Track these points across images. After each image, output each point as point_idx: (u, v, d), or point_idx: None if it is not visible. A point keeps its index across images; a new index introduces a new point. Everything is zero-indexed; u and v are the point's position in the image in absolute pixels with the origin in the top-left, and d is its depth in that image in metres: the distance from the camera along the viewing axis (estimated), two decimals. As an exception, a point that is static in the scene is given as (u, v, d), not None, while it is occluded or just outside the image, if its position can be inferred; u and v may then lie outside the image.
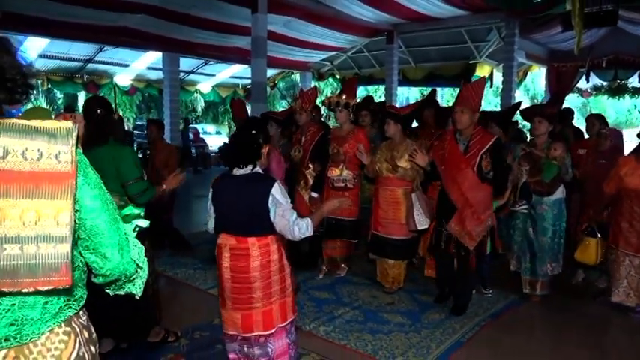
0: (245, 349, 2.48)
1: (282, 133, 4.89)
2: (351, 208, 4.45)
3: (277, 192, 2.33)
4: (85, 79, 12.81)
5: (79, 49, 11.57)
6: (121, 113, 17.04)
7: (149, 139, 5.46)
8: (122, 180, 2.79)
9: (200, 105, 23.07)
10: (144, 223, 1.56)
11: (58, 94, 20.65)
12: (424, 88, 16.75)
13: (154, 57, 12.59)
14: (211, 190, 2.51)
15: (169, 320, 3.68)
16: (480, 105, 3.64)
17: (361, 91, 24.52)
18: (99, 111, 2.85)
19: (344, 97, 4.42)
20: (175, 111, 13.23)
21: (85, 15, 8.83)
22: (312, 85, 4.94)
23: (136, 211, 1.63)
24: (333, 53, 13.81)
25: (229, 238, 2.40)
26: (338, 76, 14.99)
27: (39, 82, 13.37)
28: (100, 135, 2.82)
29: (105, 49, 11.57)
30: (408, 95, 24.56)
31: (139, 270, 1.35)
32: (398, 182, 4.13)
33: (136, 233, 1.61)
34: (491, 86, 13.30)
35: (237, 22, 9.82)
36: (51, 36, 10.02)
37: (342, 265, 4.74)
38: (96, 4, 8.46)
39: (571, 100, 18.77)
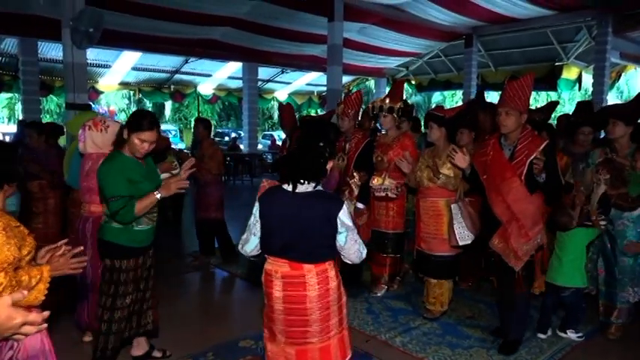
0: None
1: None
2: (395, 219, 4.21)
3: (345, 215, 2.09)
4: (172, 89, 13.68)
5: (167, 62, 12.41)
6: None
7: (196, 138, 5.60)
8: (104, 194, 2.61)
9: (277, 112, 23.77)
10: None
11: (148, 104, 22.15)
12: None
13: (235, 67, 13.17)
14: (258, 205, 2.18)
15: (244, 324, 3.79)
16: (528, 105, 3.20)
17: (436, 97, 24.07)
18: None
19: (387, 101, 4.15)
20: (254, 118, 13.73)
21: (175, 29, 9.44)
22: (357, 89, 4.59)
23: None
24: (409, 59, 13.65)
25: (281, 263, 2.13)
26: (413, 82, 14.77)
27: (131, 92, 14.46)
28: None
29: (190, 60, 12.29)
30: (486, 100, 23.66)
31: None
32: (440, 192, 3.74)
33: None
34: (579, 89, 12.48)
35: (313, 30, 10.02)
36: (143, 50, 10.81)
37: (382, 284, 4.40)
38: (185, 19, 9.01)
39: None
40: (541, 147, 3.08)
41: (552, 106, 4.92)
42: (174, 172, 3.34)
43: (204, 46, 10.86)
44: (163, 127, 20.61)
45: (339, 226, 2.07)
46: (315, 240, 2.09)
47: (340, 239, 2.10)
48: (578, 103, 4.69)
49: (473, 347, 3.38)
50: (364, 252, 2.19)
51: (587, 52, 10.68)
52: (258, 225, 2.17)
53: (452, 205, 3.58)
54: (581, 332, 3.54)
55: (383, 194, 4.12)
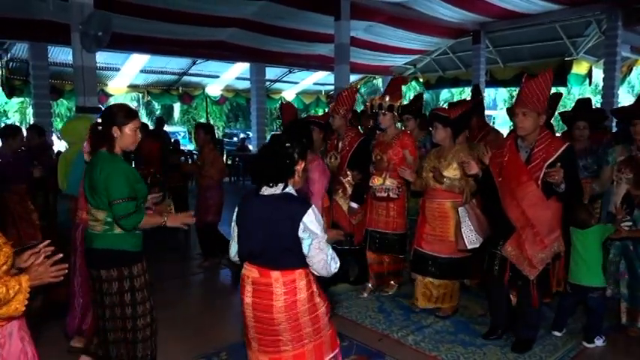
0: None
1: (324, 138, 4.55)
2: (396, 220, 4.14)
3: (311, 219, 1.96)
4: (180, 91, 13.72)
5: (175, 64, 12.45)
6: (211, 121, 18.04)
7: (197, 143, 5.50)
8: (109, 198, 2.48)
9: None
10: None
11: (157, 106, 22.29)
12: (513, 88, 15.90)
13: (242, 67, 13.19)
14: (237, 209, 2.17)
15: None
16: (546, 105, 3.01)
17: (445, 94, 23.96)
18: (99, 121, 2.64)
19: (387, 98, 4.06)
20: (262, 119, 13.76)
21: (182, 31, 9.48)
22: (351, 87, 4.47)
23: None
24: (416, 56, 13.59)
25: (252, 269, 2.06)
26: (421, 80, 14.71)
27: (140, 95, 14.55)
28: (92, 145, 2.62)
29: (198, 62, 12.33)
30: (495, 97, 23.56)
31: None
32: (446, 194, 3.68)
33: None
34: (590, 84, 12.35)
35: (320, 30, 10.01)
36: (151, 52, 10.87)
37: (392, 282, 4.38)
38: (193, 21, 9.04)
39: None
40: (560, 150, 2.94)
41: (556, 99, 4.71)
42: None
43: (212, 48, 10.90)
44: (172, 129, 20.78)
45: (300, 230, 1.95)
46: (281, 246, 1.98)
47: (304, 246, 1.97)
48: (578, 100, 4.65)
49: (486, 345, 3.36)
50: (334, 265, 2.03)
51: (597, 46, 10.56)
52: (237, 230, 2.15)
53: (459, 209, 3.48)
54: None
55: (384, 194, 4.03)
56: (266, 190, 2.05)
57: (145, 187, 2.71)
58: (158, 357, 3.10)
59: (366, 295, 4.30)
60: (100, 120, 2.63)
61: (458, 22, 10.72)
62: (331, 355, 2.13)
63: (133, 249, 2.62)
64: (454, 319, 3.80)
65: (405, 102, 4.82)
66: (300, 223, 1.94)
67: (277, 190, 2.03)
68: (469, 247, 3.45)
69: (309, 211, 1.96)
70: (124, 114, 2.59)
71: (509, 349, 3.28)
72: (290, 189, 2.06)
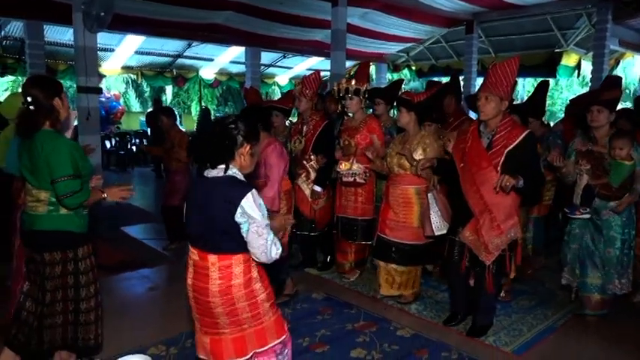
0: None
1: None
2: (364, 206, 4.13)
3: (249, 204, 1.90)
4: (174, 74, 13.68)
5: (170, 46, 12.42)
6: (203, 104, 17.99)
7: (162, 128, 5.45)
8: (51, 176, 2.35)
9: (277, 97, 23.78)
10: None
11: (145, 87, 22.09)
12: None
13: (237, 51, 13.20)
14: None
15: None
16: (511, 91, 3.00)
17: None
18: (34, 93, 2.42)
19: (353, 82, 4.00)
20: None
21: (179, 13, 9.49)
22: (316, 70, 4.38)
23: None
24: (410, 44, 13.75)
25: (194, 251, 2.04)
26: (414, 68, 14.90)
27: (133, 76, 14.47)
28: (30, 122, 2.42)
29: (193, 44, 12.32)
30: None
31: None
32: (410, 180, 3.66)
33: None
34: (578, 76, 12.66)
35: (317, 15, 10.11)
36: (148, 34, 10.84)
37: (356, 269, 4.39)
38: (190, 3, 9.07)
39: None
40: (521, 137, 2.95)
41: (543, 87, 4.41)
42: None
43: (208, 30, 10.91)
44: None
45: (238, 214, 1.89)
46: (219, 229, 1.94)
47: (242, 230, 1.93)
48: (539, 84, 4.46)
49: (483, 314, 3.59)
50: (275, 251, 1.96)
51: (587, 39, 10.84)
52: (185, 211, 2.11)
53: (429, 194, 3.51)
54: None
55: (351, 179, 3.99)
56: (210, 173, 2.00)
57: (91, 164, 2.60)
58: (125, 339, 3.09)
59: (352, 279, 4.34)
60: (33, 97, 2.40)
61: (452, 11, 10.89)
62: (277, 342, 2.09)
63: (79, 230, 2.52)
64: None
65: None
66: (239, 207, 1.90)
67: (219, 172, 1.98)
68: (436, 233, 3.47)
69: (249, 194, 1.91)
70: (57, 83, 2.50)
71: (504, 317, 3.54)
72: (235, 172, 2.00)
